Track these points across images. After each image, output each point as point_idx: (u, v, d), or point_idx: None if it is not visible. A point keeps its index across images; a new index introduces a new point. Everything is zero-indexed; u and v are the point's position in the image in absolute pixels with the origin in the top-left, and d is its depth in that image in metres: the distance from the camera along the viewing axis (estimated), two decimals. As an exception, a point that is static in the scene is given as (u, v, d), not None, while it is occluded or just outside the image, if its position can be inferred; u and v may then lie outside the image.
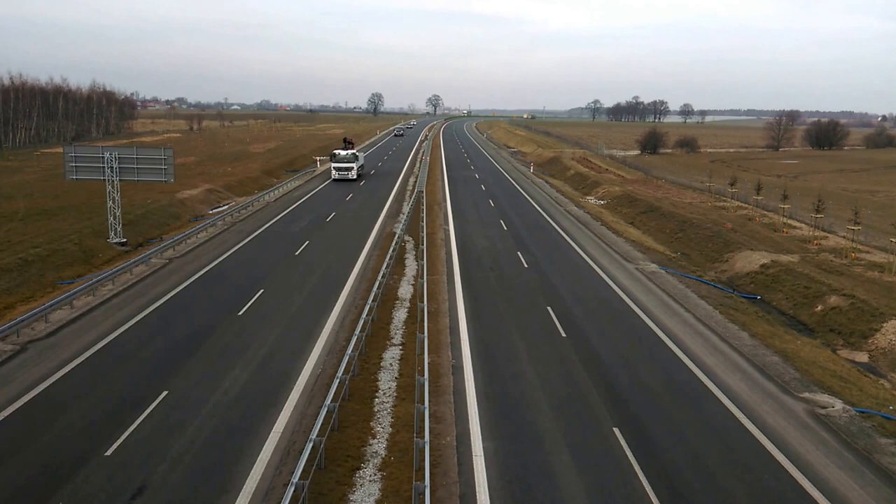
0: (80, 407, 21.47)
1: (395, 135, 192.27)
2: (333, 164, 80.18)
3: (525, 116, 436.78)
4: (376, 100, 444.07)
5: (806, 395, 24.25)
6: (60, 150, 54.67)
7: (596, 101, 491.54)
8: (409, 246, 46.17)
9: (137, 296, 33.18)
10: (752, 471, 19.02)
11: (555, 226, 56.63)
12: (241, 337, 27.88)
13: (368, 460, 19.05)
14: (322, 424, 19.48)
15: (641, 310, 33.41)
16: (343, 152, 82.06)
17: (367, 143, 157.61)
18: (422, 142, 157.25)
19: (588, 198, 77.91)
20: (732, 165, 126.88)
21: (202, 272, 37.74)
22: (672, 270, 42.34)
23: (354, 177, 79.66)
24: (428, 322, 29.42)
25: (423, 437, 18.84)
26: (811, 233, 56.30)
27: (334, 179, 79.57)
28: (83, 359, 25.21)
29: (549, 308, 33.01)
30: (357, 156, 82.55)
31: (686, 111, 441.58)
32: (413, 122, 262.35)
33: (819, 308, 35.59)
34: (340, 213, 58.39)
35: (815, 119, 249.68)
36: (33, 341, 26.84)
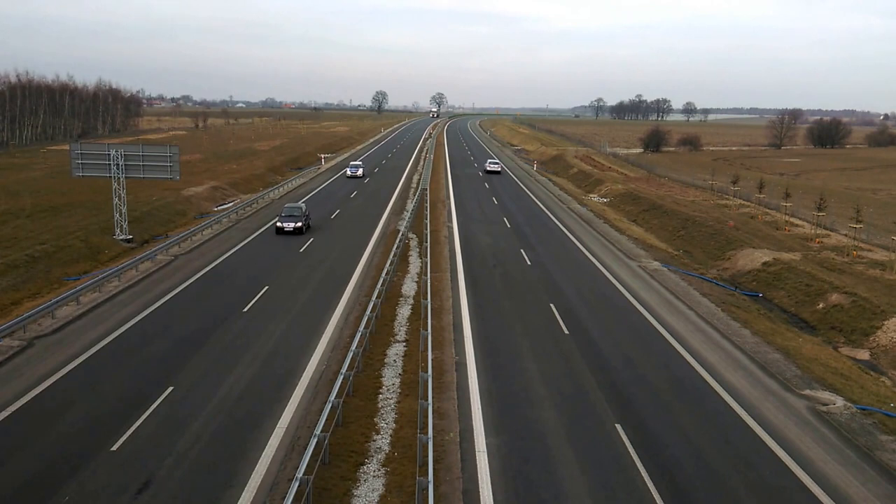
0: (86, 402, 21.67)
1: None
2: None
3: (575, 116, 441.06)
4: (381, 98, 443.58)
5: (807, 392, 24.37)
6: (67, 147, 54.95)
7: (599, 100, 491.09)
8: (413, 243, 46.32)
9: (143, 292, 33.38)
10: (754, 467, 19.16)
11: (558, 223, 56.74)
12: (246, 333, 28.07)
13: (372, 456, 19.21)
14: (326, 420, 19.64)
15: (644, 307, 33.53)
16: None
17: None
18: (425, 140, 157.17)
19: (591, 195, 77.98)
20: (735, 164, 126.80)
21: (207, 269, 37.94)
22: (674, 268, 42.45)
23: None
24: (431, 319, 29.55)
25: (427, 433, 18.99)
26: (813, 231, 56.32)
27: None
28: (89, 355, 25.40)
29: (551, 305, 33.15)
30: None
31: (689, 109, 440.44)
32: (358, 167, 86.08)
33: (821, 306, 35.69)
34: (344, 211, 58.55)
35: (818, 118, 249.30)
36: (40, 337, 27.03)
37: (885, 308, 33.24)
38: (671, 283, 38.70)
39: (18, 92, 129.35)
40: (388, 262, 37.75)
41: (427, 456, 17.79)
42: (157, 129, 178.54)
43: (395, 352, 26.77)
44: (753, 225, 59.17)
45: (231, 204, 61.43)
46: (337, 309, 31.62)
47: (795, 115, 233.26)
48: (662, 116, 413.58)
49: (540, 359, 26.45)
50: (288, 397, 22.45)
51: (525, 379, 24.56)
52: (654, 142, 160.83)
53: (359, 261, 40.91)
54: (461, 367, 25.41)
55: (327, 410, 20.06)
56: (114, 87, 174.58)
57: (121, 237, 44.83)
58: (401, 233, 47.23)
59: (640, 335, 29.59)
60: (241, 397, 22.38)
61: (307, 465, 17.19)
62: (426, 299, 31.35)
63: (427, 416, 19.93)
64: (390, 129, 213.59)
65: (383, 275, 34.74)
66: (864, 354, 30.71)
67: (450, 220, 55.48)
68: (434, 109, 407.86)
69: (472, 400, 22.70)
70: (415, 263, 40.89)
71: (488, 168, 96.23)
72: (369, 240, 47.05)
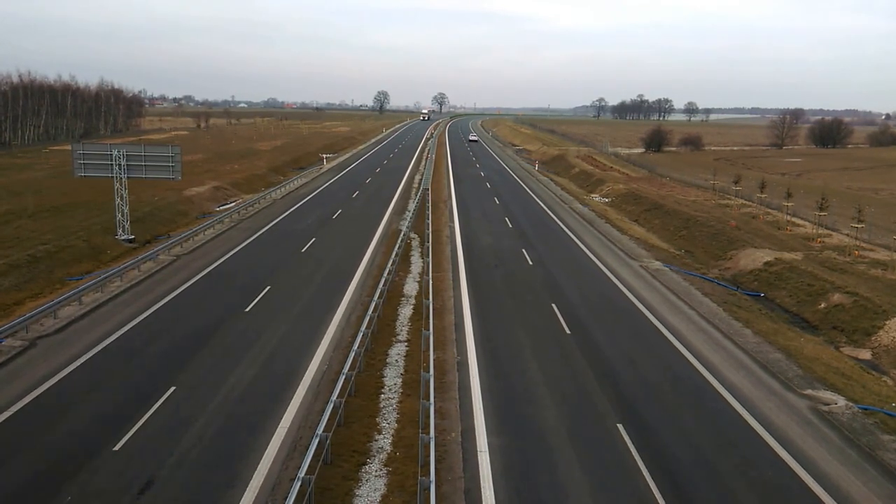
0: (88, 402, 21.70)
1: None
2: None
3: (593, 117, 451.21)
4: (382, 98, 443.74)
5: (809, 391, 24.36)
6: (69, 147, 54.95)
7: (601, 100, 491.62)
8: (415, 243, 46.35)
9: (145, 292, 33.43)
10: (756, 467, 19.16)
11: (559, 223, 56.74)
12: (248, 333, 28.10)
13: (374, 455, 19.24)
14: (328, 420, 19.66)
15: (645, 307, 33.54)
16: None
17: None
18: (427, 139, 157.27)
19: (593, 195, 77.96)
20: (736, 163, 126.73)
21: (209, 269, 37.97)
22: (676, 268, 42.44)
23: None
24: (433, 319, 29.57)
25: (429, 432, 19.02)
26: (815, 231, 56.30)
27: None
28: (91, 354, 25.44)
29: (553, 305, 33.16)
30: None
31: (690, 109, 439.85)
32: None
33: (822, 305, 35.67)
34: (346, 211, 58.59)
35: (819, 117, 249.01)
36: (42, 337, 27.08)
37: (886, 308, 33.22)
38: (673, 282, 38.69)
39: (21, 92, 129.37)
40: (390, 261, 37.77)
41: (429, 456, 17.82)
42: (159, 130, 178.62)
43: (397, 352, 26.80)
44: (755, 225, 59.14)
45: (233, 204, 61.46)
46: (339, 309, 31.65)
47: (797, 114, 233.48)
48: (664, 116, 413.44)
49: (541, 359, 26.46)
50: (290, 397, 22.48)
51: (526, 379, 24.58)
52: (656, 142, 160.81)
53: (361, 260, 40.94)
54: (463, 366, 25.43)
55: (329, 410, 20.08)
56: (116, 87, 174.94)
57: (123, 237, 44.87)
58: (402, 233, 47.25)
59: (642, 335, 29.60)
60: (242, 397, 22.41)
61: (309, 465, 17.22)
62: (428, 299, 31.37)
63: (429, 416, 19.96)
64: (391, 129, 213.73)
65: (385, 274, 34.76)
66: (865, 354, 30.69)
67: (451, 220, 55.50)
68: (425, 112, 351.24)
69: (473, 399, 22.72)
70: (416, 263, 40.92)
71: (470, 138, 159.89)
72: (371, 239, 47.08)
